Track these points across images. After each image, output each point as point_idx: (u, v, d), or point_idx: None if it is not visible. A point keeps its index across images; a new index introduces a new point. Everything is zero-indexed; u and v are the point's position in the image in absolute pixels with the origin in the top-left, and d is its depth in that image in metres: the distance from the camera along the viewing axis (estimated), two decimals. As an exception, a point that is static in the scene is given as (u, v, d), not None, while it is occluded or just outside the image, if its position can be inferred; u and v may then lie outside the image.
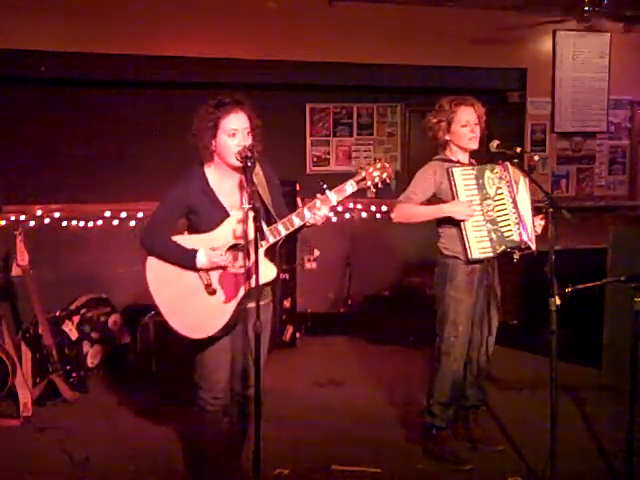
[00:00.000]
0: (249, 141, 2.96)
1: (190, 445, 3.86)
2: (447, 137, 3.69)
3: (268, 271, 2.94)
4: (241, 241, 2.94)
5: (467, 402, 3.91)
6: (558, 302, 3.18)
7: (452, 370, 3.71)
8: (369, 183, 2.97)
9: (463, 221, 3.58)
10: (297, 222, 2.96)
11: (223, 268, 2.97)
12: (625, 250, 4.80)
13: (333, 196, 2.94)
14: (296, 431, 4.13)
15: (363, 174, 2.96)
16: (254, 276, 2.79)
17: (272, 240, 2.96)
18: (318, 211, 2.93)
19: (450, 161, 3.72)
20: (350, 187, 2.95)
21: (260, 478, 2.84)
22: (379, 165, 2.97)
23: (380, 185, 2.98)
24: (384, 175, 2.96)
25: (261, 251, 2.87)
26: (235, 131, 2.95)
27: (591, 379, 4.92)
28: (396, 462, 3.75)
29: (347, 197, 2.99)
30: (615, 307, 4.82)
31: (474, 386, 3.88)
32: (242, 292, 2.97)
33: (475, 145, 3.69)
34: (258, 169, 3.03)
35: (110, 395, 4.78)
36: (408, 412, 4.39)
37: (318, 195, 2.96)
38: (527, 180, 3.70)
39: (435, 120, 3.70)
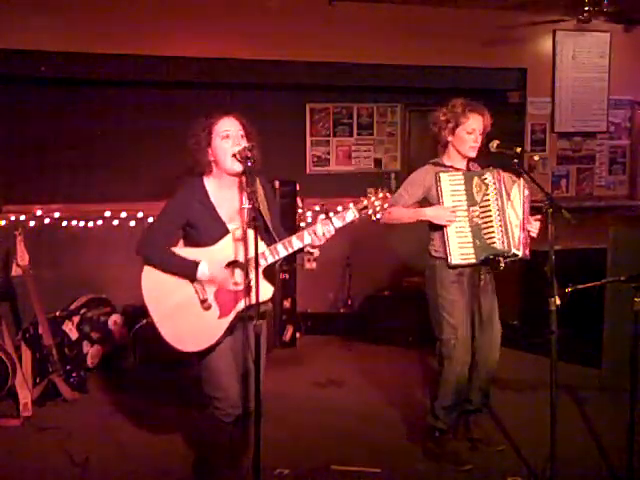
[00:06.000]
0: (244, 143, 2.95)
1: (190, 445, 3.86)
2: (449, 138, 3.70)
3: (265, 290, 2.91)
4: (240, 258, 2.94)
5: (471, 406, 3.91)
6: (558, 302, 3.18)
7: (455, 373, 3.70)
8: (370, 212, 3.00)
9: (445, 226, 3.60)
10: (297, 244, 2.96)
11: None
12: (625, 250, 4.80)
13: (335, 221, 2.95)
14: (296, 431, 4.13)
15: (365, 202, 2.98)
16: (251, 294, 2.79)
17: (271, 260, 2.96)
18: (319, 235, 2.95)
19: (444, 166, 3.72)
20: (352, 214, 2.96)
21: (260, 478, 2.84)
22: (381, 195, 2.99)
23: (380, 214, 3.02)
24: (385, 205, 3.00)
25: (259, 270, 2.84)
26: (228, 132, 2.97)
27: (591, 379, 4.91)
28: (396, 462, 3.75)
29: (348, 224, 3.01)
30: (615, 307, 4.81)
31: (480, 391, 3.87)
32: (237, 309, 2.97)
33: (473, 154, 3.70)
34: (259, 187, 3.02)
35: (110, 395, 4.78)
36: (408, 412, 4.39)
37: (319, 219, 2.97)
38: (522, 187, 3.67)
39: (444, 118, 3.70)
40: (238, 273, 2.99)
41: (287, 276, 5.93)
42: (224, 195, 3.04)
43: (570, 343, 4.71)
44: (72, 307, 5.30)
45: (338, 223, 2.95)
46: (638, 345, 3.29)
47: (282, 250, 2.96)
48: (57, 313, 5.09)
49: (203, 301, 2.97)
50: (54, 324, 4.79)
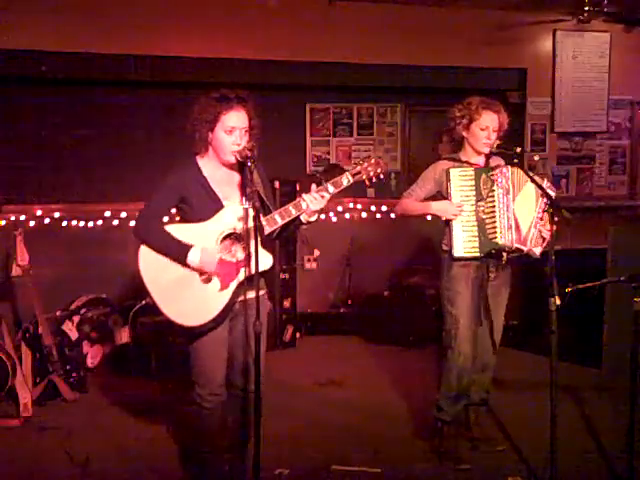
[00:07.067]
0: (245, 140, 2.96)
1: (190, 445, 3.86)
2: (464, 134, 3.75)
3: (265, 259, 2.94)
4: (236, 230, 2.95)
5: (469, 400, 3.91)
6: (558, 302, 3.18)
7: (457, 364, 3.71)
8: (364, 177, 3.08)
9: (451, 220, 3.65)
10: (293, 212, 3.00)
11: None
12: (625, 250, 4.80)
13: (330, 187, 3.01)
14: (296, 431, 4.13)
15: (358, 168, 3.08)
16: (250, 264, 2.82)
17: (268, 229, 2.98)
18: (314, 200, 2.98)
19: (459, 161, 3.75)
20: (346, 180, 3.04)
21: (260, 478, 2.84)
22: (373, 161, 3.09)
23: (374, 180, 3.10)
24: (378, 170, 3.09)
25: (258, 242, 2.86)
26: (233, 129, 2.97)
27: (591, 379, 4.92)
28: (396, 462, 3.75)
29: (342, 190, 3.07)
30: (615, 307, 4.81)
31: (476, 384, 3.87)
32: (238, 280, 2.97)
33: (486, 150, 3.73)
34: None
35: (110, 395, 4.78)
36: (408, 412, 4.39)
37: (314, 186, 3.01)
38: (535, 185, 3.69)
39: (459, 114, 3.75)
40: (234, 245, 2.99)
41: (287, 276, 5.93)
42: (218, 174, 3.05)
43: (570, 343, 4.71)
44: (72, 307, 5.30)
45: (332, 188, 3.02)
46: (638, 345, 3.29)
47: (279, 219, 2.99)
48: (57, 313, 5.09)
49: (202, 273, 2.97)
50: (54, 324, 4.79)
